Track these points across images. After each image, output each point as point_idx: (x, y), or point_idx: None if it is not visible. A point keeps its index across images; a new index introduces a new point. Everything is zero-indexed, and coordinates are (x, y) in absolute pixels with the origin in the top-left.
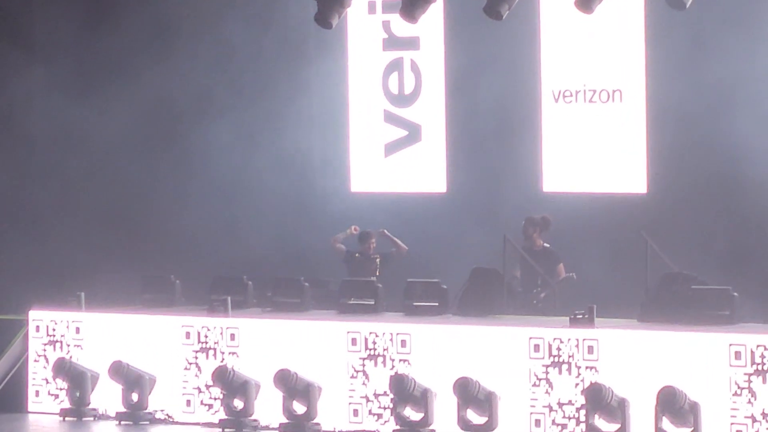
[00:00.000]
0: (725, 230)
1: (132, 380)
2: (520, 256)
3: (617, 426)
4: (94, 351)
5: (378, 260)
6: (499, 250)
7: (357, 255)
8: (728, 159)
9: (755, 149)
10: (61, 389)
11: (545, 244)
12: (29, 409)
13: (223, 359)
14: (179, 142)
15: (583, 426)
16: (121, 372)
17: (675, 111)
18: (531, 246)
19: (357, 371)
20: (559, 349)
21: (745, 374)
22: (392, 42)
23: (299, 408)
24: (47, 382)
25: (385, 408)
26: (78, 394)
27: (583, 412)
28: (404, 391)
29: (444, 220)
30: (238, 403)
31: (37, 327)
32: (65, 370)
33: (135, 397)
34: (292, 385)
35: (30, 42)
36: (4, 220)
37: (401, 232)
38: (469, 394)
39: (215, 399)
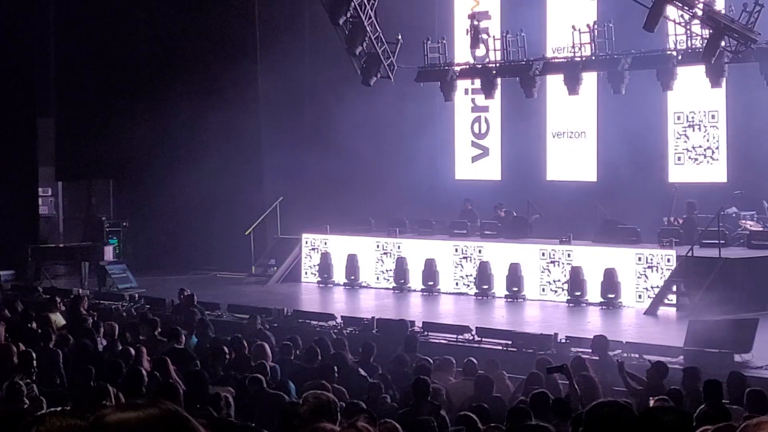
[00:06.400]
0: (653, 203)
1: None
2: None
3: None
4: (333, 255)
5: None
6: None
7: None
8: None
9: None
10: (318, 268)
11: (514, 213)
12: (302, 280)
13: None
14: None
15: (564, 295)
16: None
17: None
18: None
19: (457, 265)
20: (553, 252)
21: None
22: (476, 108)
23: None
24: (311, 268)
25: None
26: (324, 271)
27: (566, 285)
28: None
29: (501, 197)
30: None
31: (306, 241)
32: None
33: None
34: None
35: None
36: (293, 181)
37: (481, 199)
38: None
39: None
